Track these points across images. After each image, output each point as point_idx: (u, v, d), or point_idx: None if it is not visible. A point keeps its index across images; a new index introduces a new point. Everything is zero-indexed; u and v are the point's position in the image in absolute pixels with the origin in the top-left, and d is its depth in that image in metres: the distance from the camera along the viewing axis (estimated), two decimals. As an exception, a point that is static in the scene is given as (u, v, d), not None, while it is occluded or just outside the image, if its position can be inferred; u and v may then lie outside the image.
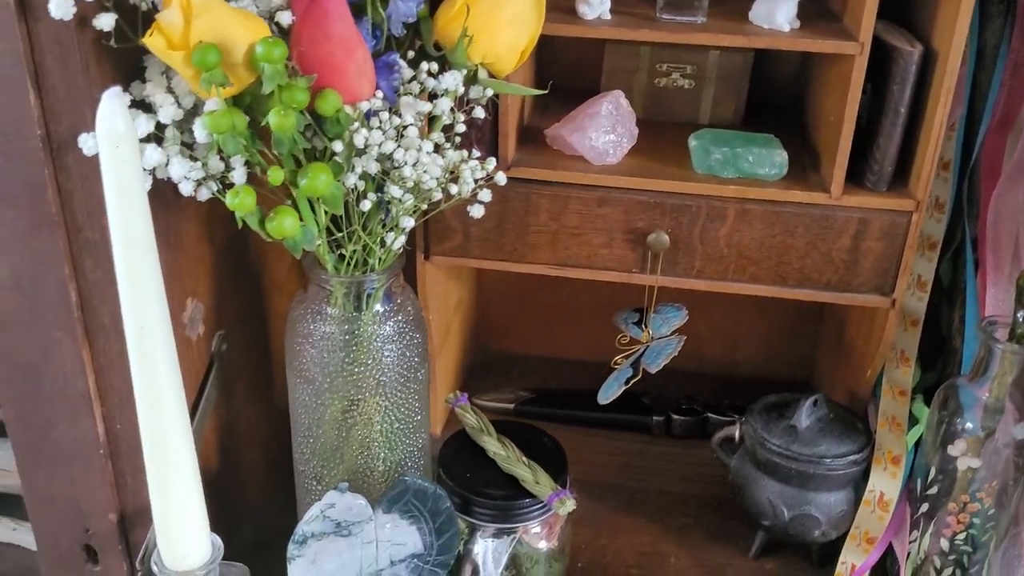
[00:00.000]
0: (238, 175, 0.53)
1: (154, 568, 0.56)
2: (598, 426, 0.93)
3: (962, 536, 0.70)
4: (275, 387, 0.83)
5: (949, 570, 0.72)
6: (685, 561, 0.78)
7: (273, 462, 0.83)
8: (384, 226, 0.61)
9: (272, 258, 0.80)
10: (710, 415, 0.92)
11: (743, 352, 1.01)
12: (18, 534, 0.79)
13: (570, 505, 0.67)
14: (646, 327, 0.77)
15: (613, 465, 0.89)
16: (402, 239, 0.62)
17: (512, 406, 0.95)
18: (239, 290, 0.74)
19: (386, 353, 0.64)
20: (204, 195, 0.58)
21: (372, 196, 0.56)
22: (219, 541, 0.57)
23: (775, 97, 0.84)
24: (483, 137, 0.72)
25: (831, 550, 0.74)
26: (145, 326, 0.48)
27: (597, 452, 0.90)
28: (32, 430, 0.61)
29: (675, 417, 0.93)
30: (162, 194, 0.57)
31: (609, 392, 0.75)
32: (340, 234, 0.60)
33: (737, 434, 0.77)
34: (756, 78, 0.80)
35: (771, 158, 0.70)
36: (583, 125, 0.72)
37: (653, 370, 0.75)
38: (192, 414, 0.66)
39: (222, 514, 0.61)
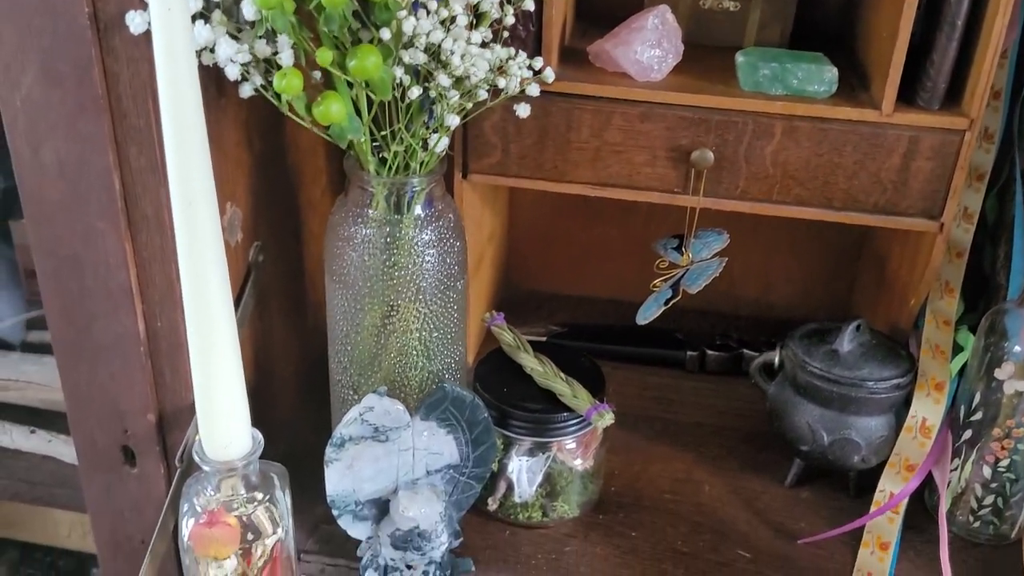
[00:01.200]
0: (285, 57, 0.52)
1: (195, 458, 0.55)
2: (631, 361, 0.92)
3: (1005, 463, 0.69)
4: (309, 308, 0.82)
5: (990, 499, 0.71)
6: (720, 489, 0.77)
7: (306, 381, 0.83)
8: (428, 127, 0.60)
9: (308, 177, 0.79)
10: (745, 351, 0.91)
11: (777, 294, 1.00)
12: (54, 446, 0.80)
13: (609, 419, 0.67)
14: (686, 251, 0.76)
15: (646, 398, 0.88)
16: (445, 141, 0.61)
17: (544, 339, 0.94)
18: (275, 203, 0.73)
19: (426, 258, 0.63)
20: (247, 91, 0.57)
21: (418, 89, 0.56)
22: (259, 435, 0.57)
23: (822, 20, 0.82)
24: (526, 50, 0.70)
25: (868, 479, 0.73)
26: (194, 202, 0.48)
27: (630, 385, 0.89)
28: (73, 325, 0.61)
29: (709, 352, 0.92)
30: (204, 88, 0.57)
31: (647, 313, 0.74)
32: (383, 132, 0.59)
33: (776, 359, 0.76)
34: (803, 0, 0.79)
35: (820, 74, 0.69)
36: (628, 40, 0.71)
37: (693, 291, 0.74)
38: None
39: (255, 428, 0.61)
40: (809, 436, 0.72)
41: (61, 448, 0.79)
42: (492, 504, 0.71)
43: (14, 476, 0.79)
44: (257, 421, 0.56)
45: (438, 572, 0.66)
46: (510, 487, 0.70)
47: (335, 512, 0.64)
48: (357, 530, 0.66)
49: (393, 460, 0.64)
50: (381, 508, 0.65)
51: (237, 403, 0.54)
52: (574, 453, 0.70)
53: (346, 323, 0.66)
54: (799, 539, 0.72)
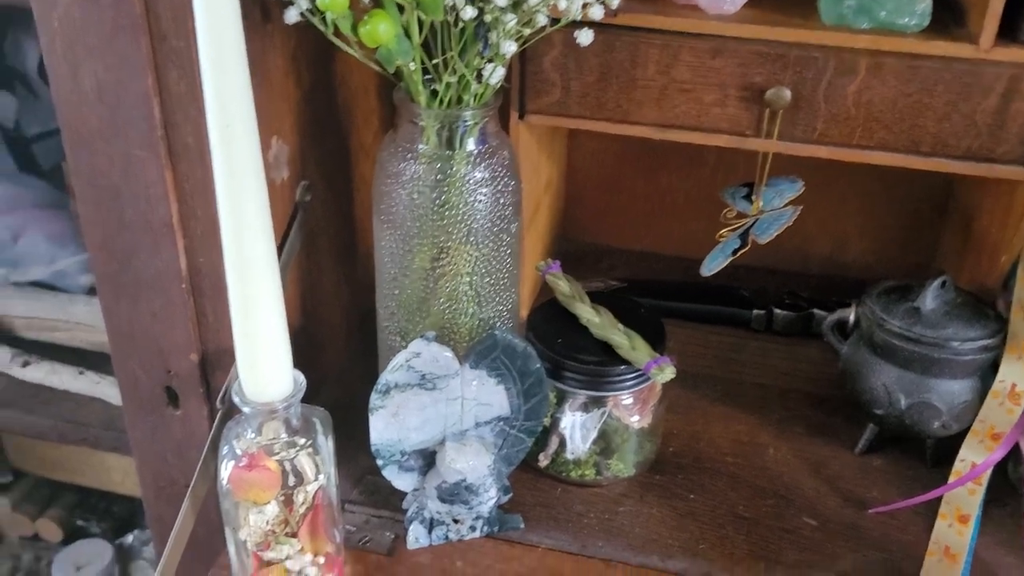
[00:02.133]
0: (331, -28, 0.49)
1: (235, 399, 0.53)
2: (693, 319, 0.88)
3: (1102, 434, 0.64)
4: (359, 256, 0.80)
5: (1084, 472, 0.65)
6: (785, 453, 0.73)
7: (356, 331, 0.80)
8: (482, 56, 0.57)
9: (359, 118, 0.76)
10: (815, 310, 0.86)
11: (852, 251, 0.94)
12: (101, 388, 0.79)
13: (669, 373, 0.63)
14: (756, 199, 0.71)
15: (708, 357, 0.84)
16: (501, 72, 0.57)
17: (603, 290, 0.90)
18: (324, 143, 0.70)
19: (478, 197, 0.60)
20: (292, 17, 0.54)
21: (472, 9, 0.52)
22: (301, 377, 0.55)
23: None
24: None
25: (946, 448, 0.67)
26: (232, 128, 0.45)
27: (691, 343, 0.85)
28: (114, 259, 0.60)
29: (777, 311, 0.87)
30: (248, 14, 0.54)
31: (713, 264, 0.70)
32: (435, 61, 0.56)
33: (852, 317, 0.71)
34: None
35: (911, 6, 0.63)
36: (700, -31, 0.66)
37: (763, 241, 0.69)
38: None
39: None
40: (885, 399, 0.68)
41: (108, 390, 0.78)
42: (543, 460, 0.68)
43: (62, 417, 0.79)
44: (304, 368, 0.54)
45: (485, 527, 0.63)
46: (562, 443, 0.67)
47: (379, 462, 0.62)
48: (402, 481, 0.63)
49: (440, 409, 0.61)
50: (427, 459, 0.63)
51: (278, 343, 0.52)
52: (631, 409, 0.67)
53: (394, 265, 0.63)
54: (869, 508, 0.68)
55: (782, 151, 0.68)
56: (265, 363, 0.52)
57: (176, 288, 0.59)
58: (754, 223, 0.71)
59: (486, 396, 0.62)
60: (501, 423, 0.63)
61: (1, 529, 1.16)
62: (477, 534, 0.64)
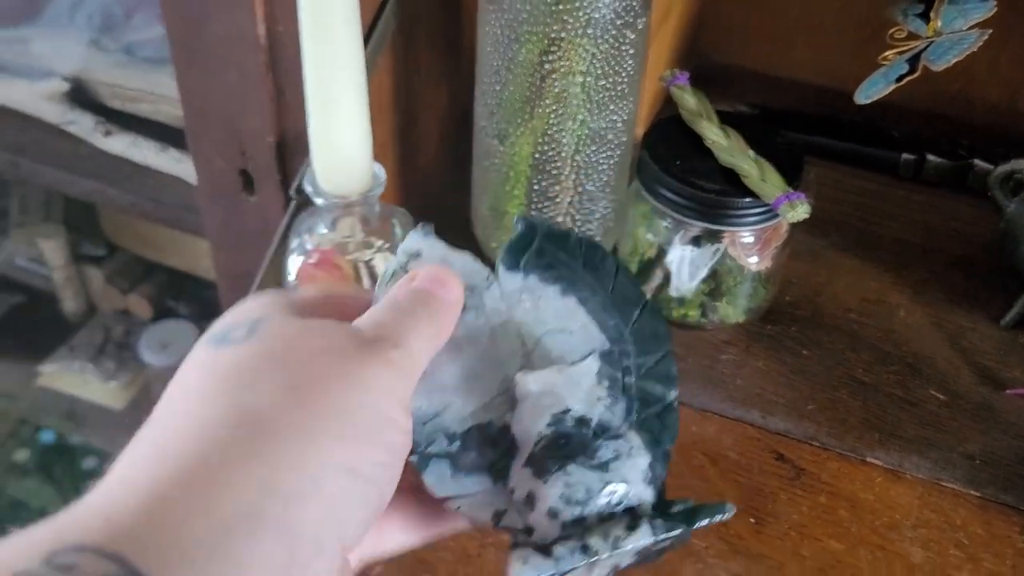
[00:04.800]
0: None
1: (307, 188, 0.48)
2: (833, 157, 0.77)
3: None
4: (463, 53, 0.71)
5: None
6: (918, 317, 0.64)
7: (452, 137, 0.73)
8: None
9: None
10: (976, 160, 0.74)
11: (1027, 102, 0.81)
12: (183, 167, 0.75)
13: (802, 211, 0.54)
14: (934, 18, 0.59)
15: (844, 202, 0.74)
16: None
17: (733, 111, 0.80)
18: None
19: (604, -19, 0.50)
20: None
21: None
22: (382, 172, 0.48)
23: None
24: None
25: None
26: None
27: (827, 185, 0.75)
28: (187, 22, 0.53)
29: (930, 157, 0.75)
30: None
31: (872, 90, 0.59)
32: None
33: (1028, 170, 0.60)
34: None
35: None
36: None
37: (937, 67, 0.58)
38: (365, 40, 0.56)
39: (390, 179, 0.52)
40: (1053, 269, 0.58)
41: (189, 169, 0.74)
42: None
43: (144, 194, 0.76)
44: (392, 168, 0.48)
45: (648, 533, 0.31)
46: (667, 278, 0.60)
47: (413, 459, 0.32)
48: (462, 487, 0.33)
49: (486, 347, 0.34)
50: (498, 444, 0.33)
51: (357, 130, 0.45)
52: (749, 249, 0.59)
53: (498, 57, 0.55)
54: (1008, 389, 0.60)
55: (981, -43, 0.56)
56: (341, 151, 0.46)
57: (252, 59, 0.53)
58: (928, 46, 0.59)
59: (554, 317, 0.35)
60: (604, 365, 0.34)
61: (94, 300, 1.19)
62: (643, 541, 0.31)
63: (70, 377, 1.15)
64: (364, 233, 0.50)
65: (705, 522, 0.31)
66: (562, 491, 0.31)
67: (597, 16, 0.51)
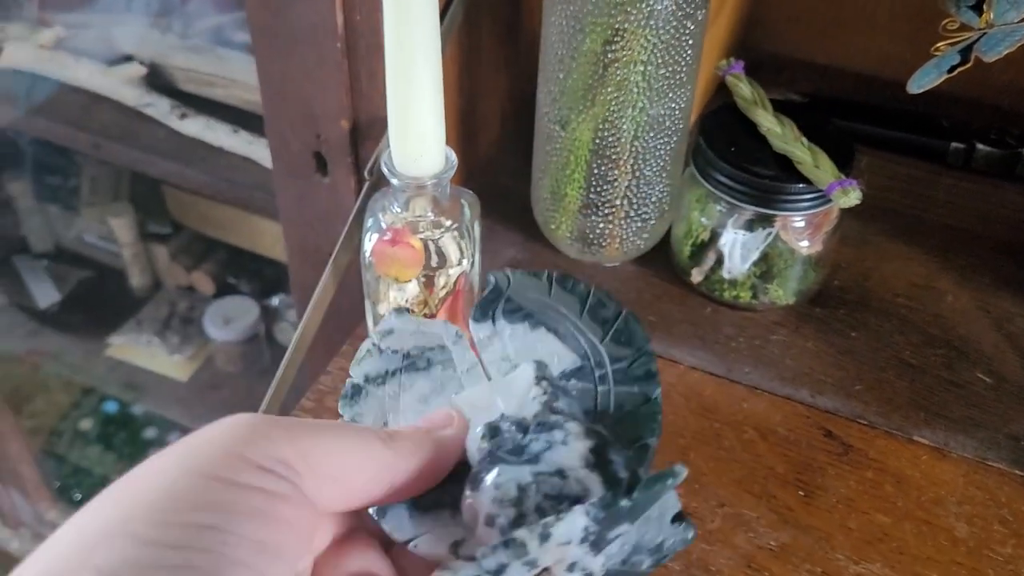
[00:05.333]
0: None
1: (384, 169, 0.51)
2: (882, 146, 0.79)
3: None
4: (523, 39, 0.74)
5: None
6: (965, 302, 0.66)
7: (509, 117, 0.76)
8: None
9: None
10: (1026, 150, 0.75)
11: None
12: (255, 148, 0.79)
13: (854, 197, 0.56)
14: (987, 9, 0.60)
15: (893, 189, 0.76)
16: None
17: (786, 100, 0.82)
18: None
19: (667, -26, 0.53)
20: None
21: None
22: (453, 155, 0.51)
23: None
24: None
25: None
26: None
27: (876, 173, 0.77)
28: (268, 8, 0.56)
29: (980, 146, 0.76)
30: None
31: (924, 80, 0.61)
32: None
33: (1080, 159, 0.61)
34: None
35: None
36: None
37: (989, 58, 0.59)
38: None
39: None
40: (1101, 257, 0.59)
41: (261, 151, 0.78)
42: (696, 276, 0.64)
43: (217, 175, 0.79)
44: (455, 149, 0.51)
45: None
46: (720, 260, 0.62)
47: (372, 511, 0.32)
48: (423, 526, 0.32)
49: (455, 392, 0.35)
50: (458, 478, 0.32)
51: (432, 115, 0.48)
52: (801, 233, 0.61)
53: (562, 46, 0.57)
54: (1053, 374, 0.61)
55: (1037, -50, 0.57)
56: (418, 135, 0.49)
57: (330, 45, 0.56)
58: (980, 37, 0.61)
59: (523, 349, 0.35)
60: (577, 380, 0.35)
61: (160, 276, 1.23)
62: (577, 525, 0.28)
63: (137, 350, 1.20)
64: (434, 213, 0.52)
65: (657, 490, 0.27)
66: (493, 494, 0.29)
67: (659, 8, 0.54)
